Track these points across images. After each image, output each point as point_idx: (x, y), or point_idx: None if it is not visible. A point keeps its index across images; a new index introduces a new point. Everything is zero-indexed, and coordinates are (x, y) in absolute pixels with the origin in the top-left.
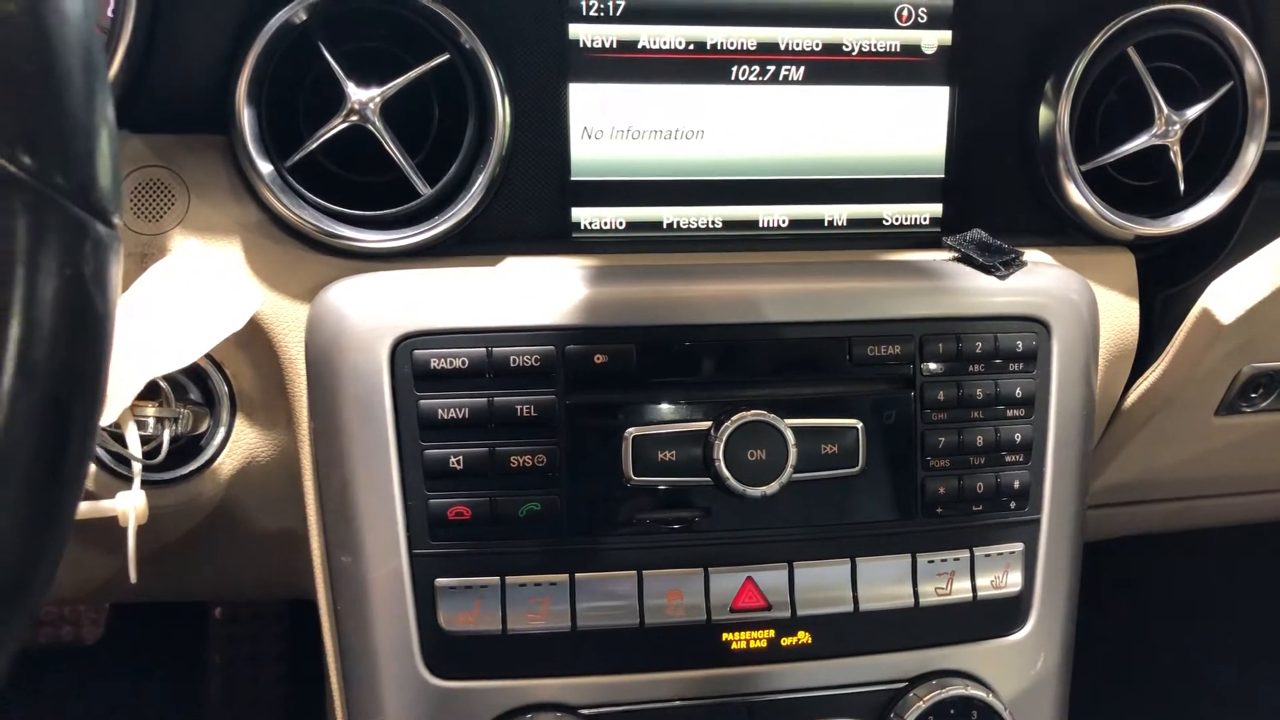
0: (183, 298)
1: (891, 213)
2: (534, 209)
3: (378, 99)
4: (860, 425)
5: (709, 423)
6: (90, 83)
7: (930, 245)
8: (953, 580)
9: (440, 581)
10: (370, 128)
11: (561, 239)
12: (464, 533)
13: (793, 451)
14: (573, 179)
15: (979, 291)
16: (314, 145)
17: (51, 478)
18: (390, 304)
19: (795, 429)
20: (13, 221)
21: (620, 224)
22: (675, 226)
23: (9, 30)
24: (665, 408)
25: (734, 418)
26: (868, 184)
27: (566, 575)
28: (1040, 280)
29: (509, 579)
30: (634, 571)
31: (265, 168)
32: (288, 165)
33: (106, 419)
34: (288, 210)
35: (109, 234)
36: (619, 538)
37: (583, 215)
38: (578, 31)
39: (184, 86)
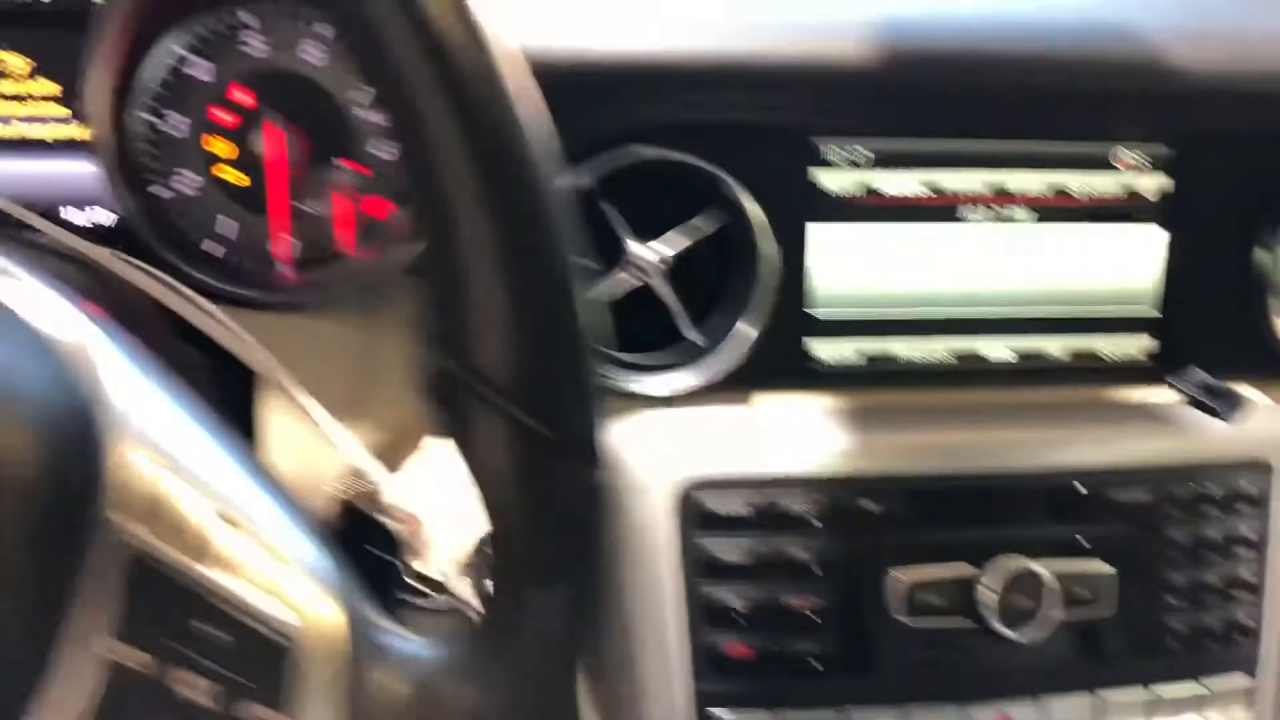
0: None
1: (1107, 346)
2: (771, 343)
3: (670, 259)
4: (1109, 568)
5: (972, 568)
6: (592, 350)
7: (1147, 380)
8: (1187, 711)
9: (719, 713)
10: (653, 287)
11: (799, 372)
12: (742, 669)
13: (1051, 596)
14: (812, 313)
15: (1210, 435)
16: (600, 298)
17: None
18: (674, 450)
19: (1053, 573)
20: (553, 482)
21: (856, 358)
22: (907, 359)
23: (549, 324)
24: (930, 552)
25: (996, 562)
26: (1085, 318)
27: (836, 710)
28: (1263, 422)
29: (785, 713)
30: (900, 705)
31: None
32: None
33: (441, 572)
34: None
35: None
36: (885, 675)
37: (820, 349)
38: (823, 177)
39: None
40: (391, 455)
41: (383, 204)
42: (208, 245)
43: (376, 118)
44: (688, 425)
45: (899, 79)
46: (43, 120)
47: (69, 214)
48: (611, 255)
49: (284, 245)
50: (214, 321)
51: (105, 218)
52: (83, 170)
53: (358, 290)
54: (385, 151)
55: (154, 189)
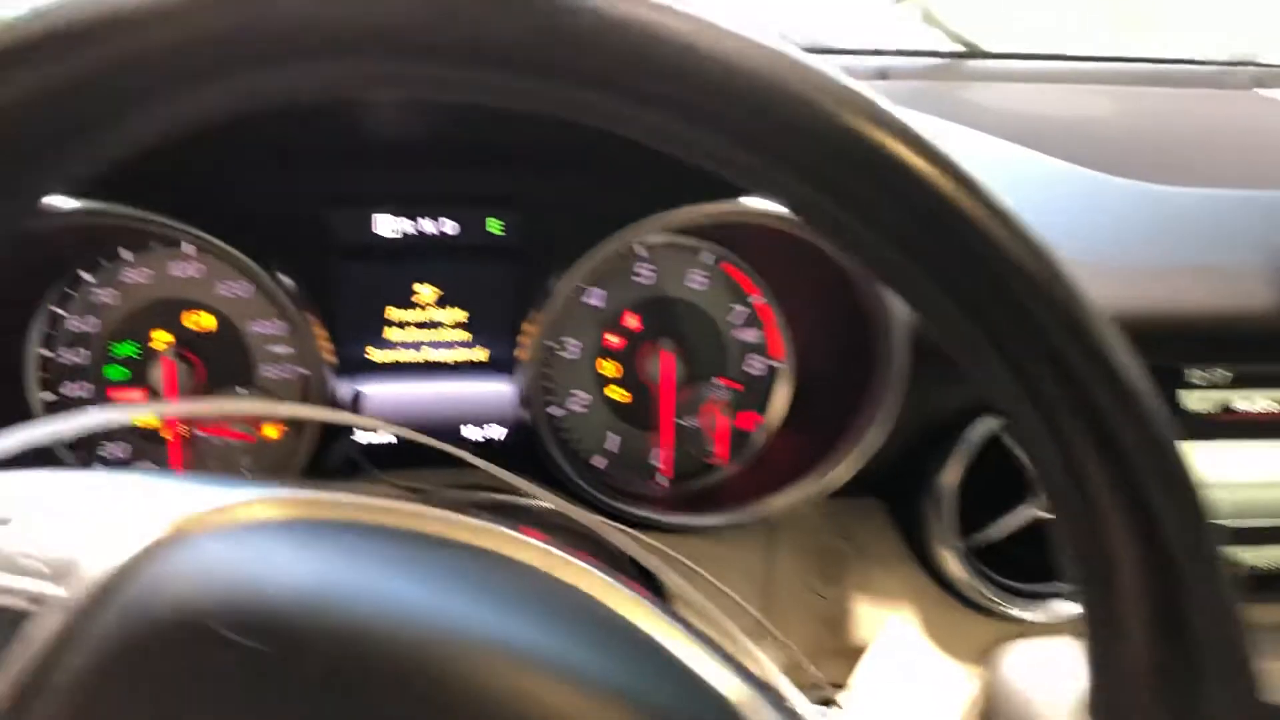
0: (907, 681)
1: None
2: None
3: None
4: None
5: None
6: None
7: None
8: None
9: None
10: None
11: None
12: None
13: None
14: None
15: None
16: (1001, 533)
17: None
18: (1072, 682)
19: None
20: None
21: None
22: (1251, 565)
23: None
24: None
25: None
26: None
27: None
28: None
29: None
30: None
31: (959, 545)
32: (971, 544)
33: None
34: (969, 582)
35: None
36: None
37: None
38: (1186, 398)
39: (874, 463)
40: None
41: (752, 418)
42: (594, 459)
43: (748, 336)
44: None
45: (1264, 320)
46: (449, 345)
47: (468, 431)
48: (1013, 489)
49: (665, 458)
50: (635, 543)
51: (497, 434)
52: (477, 390)
53: (755, 519)
54: (755, 368)
55: (551, 408)
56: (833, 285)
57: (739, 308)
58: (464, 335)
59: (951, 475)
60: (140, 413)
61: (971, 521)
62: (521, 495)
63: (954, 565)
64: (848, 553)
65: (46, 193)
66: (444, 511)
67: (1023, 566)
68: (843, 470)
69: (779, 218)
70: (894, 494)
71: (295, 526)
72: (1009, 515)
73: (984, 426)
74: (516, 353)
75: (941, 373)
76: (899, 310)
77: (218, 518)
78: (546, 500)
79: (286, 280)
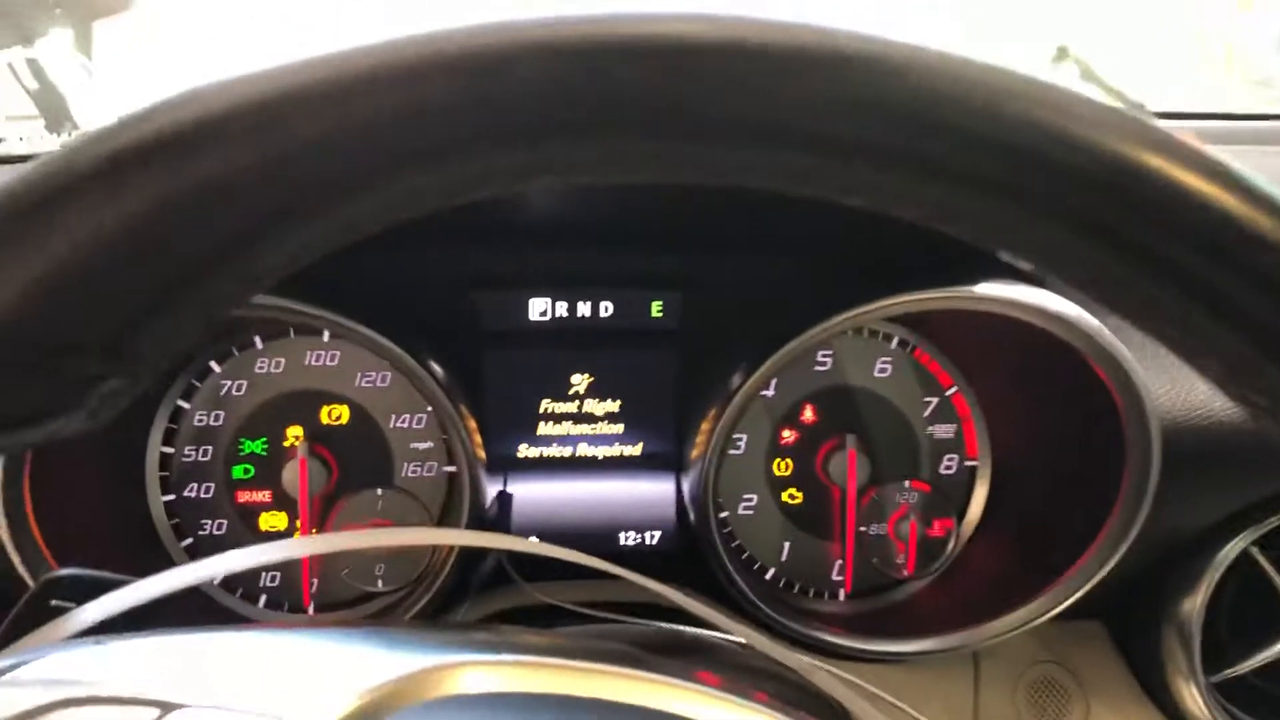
0: None
1: None
2: None
3: None
4: None
5: None
6: None
7: None
8: None
9: None
10: None
11: None
12: None
13: None
14: None
15: None
16: (1254, 666)
17: None
18: None
19: None
20: None
21: None
22: None
23: None
24: None
25: None
26: None
27: None
28: None
29: None
30: None
31: (1202, 680)
32: (1216, 679)
33: None
34: None
35: None
36: None
37: None
38: None
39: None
40: None
41: (944, 523)
42: (767, 569)
43: (942, 431)
44: None
45: None
46: (605, 440)
47: (626, 538)
48: (1262, 616)
49: (847, 570)
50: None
51: (656, 539)
52: (633, 492)
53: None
54: (948, 468)
55: (723, 513)
56: (1045, 375)
57: (932, 399)
58: (615, 428)
59: (1197, 600)
60: (293, 551)
61: (1213, 651)
62: (700, 620)
63: (1196, 703)
64: (1067, 684)
65: (264, 281)
66: (653, 675)
67: (1275, 704)
68: (1071, 593)
69: (978, 299)
70: (1119, 617)
71: (495, 704)
72: (1266, 647)
73: (1238, 546)
74: (692, 453)
75: (1197, 482)
76: (1154, 406)
77: (409, 691)
78: (739, 634)
79: (437, 369)
